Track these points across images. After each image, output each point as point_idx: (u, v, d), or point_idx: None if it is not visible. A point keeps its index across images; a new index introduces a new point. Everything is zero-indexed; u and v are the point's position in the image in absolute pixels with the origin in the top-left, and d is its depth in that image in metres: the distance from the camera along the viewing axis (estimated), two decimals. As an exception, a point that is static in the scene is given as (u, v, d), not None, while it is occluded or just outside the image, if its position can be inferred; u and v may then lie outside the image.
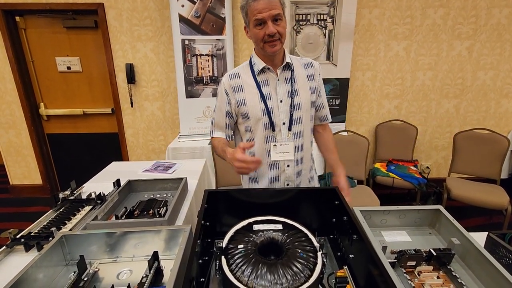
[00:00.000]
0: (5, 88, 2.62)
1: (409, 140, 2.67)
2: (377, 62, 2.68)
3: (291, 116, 1.14)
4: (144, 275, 0.84)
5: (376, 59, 2.67)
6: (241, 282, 0.68)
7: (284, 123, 1.15)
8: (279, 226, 0.84)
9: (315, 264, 0.72)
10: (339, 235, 0.92)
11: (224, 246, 0.79)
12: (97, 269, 0.89)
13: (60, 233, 0.94)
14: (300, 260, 0.72)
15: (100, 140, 2.85)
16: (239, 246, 0.77)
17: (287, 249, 0.77)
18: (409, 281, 0.78)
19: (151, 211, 1.23)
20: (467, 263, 0.85)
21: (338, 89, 2.60)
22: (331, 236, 0.98)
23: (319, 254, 0.76)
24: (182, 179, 1.44)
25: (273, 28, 0.99)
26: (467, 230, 0.89)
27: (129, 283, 0.79)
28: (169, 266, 0.92)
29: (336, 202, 0.93)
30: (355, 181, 2.33)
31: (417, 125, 2.67)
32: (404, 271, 0.81)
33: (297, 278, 0.68)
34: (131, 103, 2.67)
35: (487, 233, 0.92)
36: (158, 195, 1.43)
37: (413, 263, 0.82)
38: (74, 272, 0.85)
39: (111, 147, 2.85)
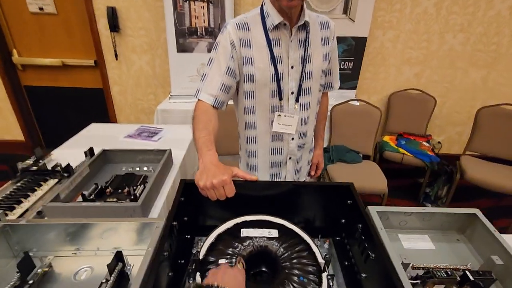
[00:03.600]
0: (-29, 30, 2.28)
1: (425, 113, 2.41)
2: (402, 19, 2.29)
3: (300, 85, 0.96)
4: (104, 280, 0.67)
5: (401, 16, 2.28)
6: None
7: (292, 93, 0.97)
8: (275, 233, 0.66)
9: (318, 292, 0.55)
10: (348, 238, 0.75)
11: (201, 257, 0.60)
12: (47, 269, 0.73)
13: (3, 222, 0.76)
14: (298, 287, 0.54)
15: (84, 96, 2.59)
16: (221, 261, 0.59)
17: (283, 267, 0.59)
18: (435, 312, 0.61)
19: (126, 190, 1.05)
20: (506, 285, 0.68)
21: (352, 50, 2.26)
22: (337, 238, 0.80)
23: (324, 276, 0.58)
24: (165, 151, 1.23)
25: None
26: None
27: (80, 295, 0.63)
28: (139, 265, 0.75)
29: (349, 202, 0.73)
30: (361, 155, 2.14)
31: (436, 97, 2.39)
32: (429, 295, 0.64)
33: (293, 314, 0.51)
34: (116, 55, 2.35)
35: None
36: (138, 168, 1.24)
37: (441, 286, 0.64)
38: (18, 272, 0.69)
39: (97, 105, 2.59)
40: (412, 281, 0.65)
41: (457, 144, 2.71)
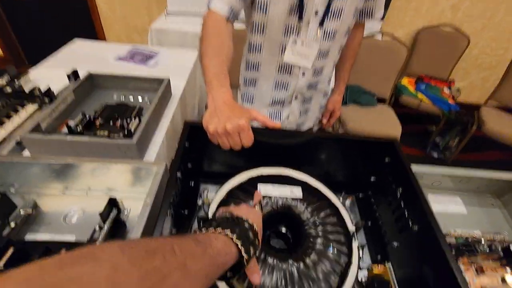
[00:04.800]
0: None
1: (453, 54, 2.15)
2: None
3: (329, 3, 0.71)
4: (98, 228, 0.59)
5: None
6: (229, 284, 0.43)
7: (316, 13, 0.73)
8: (298, 192, 0.55)
9: (348, 266, 0.47)
10: (375, 197, 0.65)
11: (211, 216, 0.51)
12: (31, 210, 0.63)
13: (-30, 154, 0.64)
14: (328, 262, 0.46)
15: (64, 5, 2.21)
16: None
17: (307, 235, 0.50)
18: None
19: (118, 123, 0.91)
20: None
21: (388, -32, 1.86)
22: (360, 195, 0.71)
23: (354, 246, 0.49)
24: (163, 80, 1.05)
25: None
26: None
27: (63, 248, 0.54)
28: (138, 210, 0.66)
29: (387, 160, 0.61)
30: (376, 99, 1.97)
31: (470, 35, 2.09)
32: (462, 268, 0.58)
33: (320, 290, 0.43)
34: (98, -48, 1.91)
35: None
36: (131, 98, 1.07)
37: (477, 258, 0.58)
38: (-4, 214, 0.60)
39: (81, 19, 2.23)
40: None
41: (478, 92, 2.52)
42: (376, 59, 1.89)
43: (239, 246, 0.32)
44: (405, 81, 2.19)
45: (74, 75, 1.05)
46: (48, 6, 2.22)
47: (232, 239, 0.32)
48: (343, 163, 0.66)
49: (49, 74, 1.14)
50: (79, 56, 1.33)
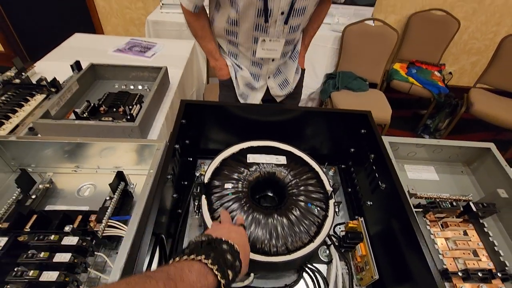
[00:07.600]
0: None
1: (444, 38, 2.19)
2: None
3: (292, 4, 0.78)
4: (108, 198, 0.67)
5: None
6: (225, 235, 0.51)
7: (282, 13, 0.80)
8: (283, 160, 0.62)
9: (324, 218, 0.55)
10: (355, 167, 0.73)
11: (206, 181, 0.58)
12: (48, 185, 0.71)
13: (-8, 137, 0.71)
14: (307, 215, 0.54)
15: (62, 0, 2.24)
16: (227, 186, 0.57)
17: (290, 194, 0.58)
18: (432, 237, 0.63)
19: (121, 109, 0.98)
20: (501, 217, 0.70)
21: (378, -46, 1.89)
22: (342, 166, 0.79)
23: (331, 203, 0.57)
24: (161, 68, 1.12)
25: None
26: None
27: (86, 211, 0.63)
28: (143, 185, 0.74)
29: (362, 131, 0.68)
30: (367, 83, 2.03)
31: (461, 19, 2.13)
32: (428, 223, 0.66)
33: (298, 237, 0.51)
34: None
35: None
36: (132, 86, 1.14)
37: (442, 215, 0.66)
38: (18, 187, 0.67)
39: (79, 12, 2.27)
40: (415, 209, 0.66)
41: (468, 76, 2.57)
42: (367, 44, 1.95)
43: (215, 271, 0.31)
44: (397, 66, 2.24)
45: (76, 65, 1.12)
46: (46, 2, 2.26)
47: (207, 264, 0.31)
48: (326, 136, 0.74)
49: (53, 66, 1.21)
50: (80, 49, 1.39)
